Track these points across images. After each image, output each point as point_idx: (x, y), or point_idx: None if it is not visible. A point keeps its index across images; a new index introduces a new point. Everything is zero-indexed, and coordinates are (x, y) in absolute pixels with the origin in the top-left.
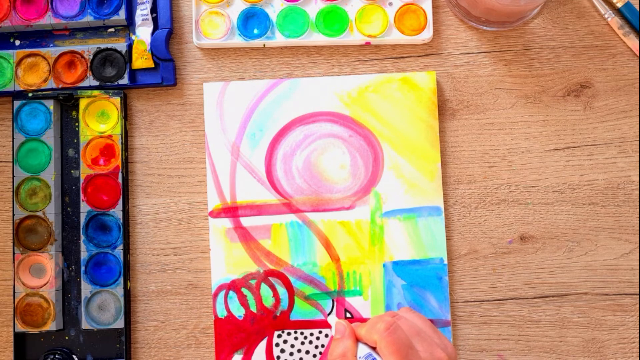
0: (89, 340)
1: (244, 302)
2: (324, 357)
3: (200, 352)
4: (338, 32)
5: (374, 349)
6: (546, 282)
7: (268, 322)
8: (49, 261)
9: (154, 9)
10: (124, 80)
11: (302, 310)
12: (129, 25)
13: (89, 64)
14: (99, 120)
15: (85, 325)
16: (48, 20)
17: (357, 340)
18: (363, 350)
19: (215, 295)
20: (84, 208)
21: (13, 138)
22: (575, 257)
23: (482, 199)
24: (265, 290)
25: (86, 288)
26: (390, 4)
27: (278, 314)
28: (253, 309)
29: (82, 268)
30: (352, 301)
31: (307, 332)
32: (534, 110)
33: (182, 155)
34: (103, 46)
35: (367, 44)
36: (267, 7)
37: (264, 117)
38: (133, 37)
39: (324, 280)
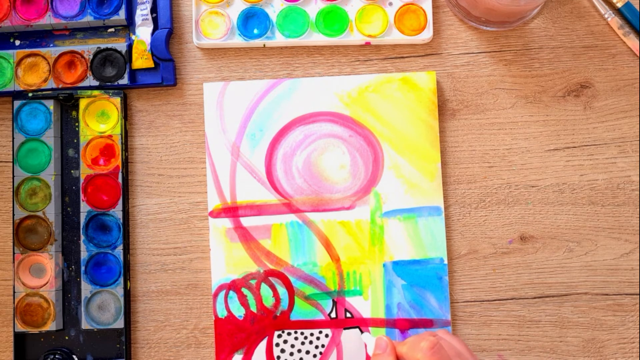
0: (89, 340)
1: (244, 302)
2: (325, 357)
3: (200, 352)
4: (338, 32)
5: None
6: (546, 282)
7: (268, 322)
8: (49, 261)
9: (154, 9)
10: (124, 80)
11: (302, 310)
12: (129, 25)
13: (89, 64)
14: (99, 120)
15: (85, 325)
16: (48, 20)
17: (397, 358)
18: None
19: (216, 295)
20: (84, 208)
21: (13, 138)
22: (575, 257)
23: (482, 199)
24: (265, 290)
25: (86, 288)
26: (390, 4)
27: (278, 314)
28: (253, 309)
29: (82, 268)
30: (352, 301)
31: (307, 332)
32: (534, 110)
33: (182, 155)
34: (103, 46)
35: (367, 44)
36: (267, 7)
37: (264, 117)
38: (133, 37)
39: (324, 280)
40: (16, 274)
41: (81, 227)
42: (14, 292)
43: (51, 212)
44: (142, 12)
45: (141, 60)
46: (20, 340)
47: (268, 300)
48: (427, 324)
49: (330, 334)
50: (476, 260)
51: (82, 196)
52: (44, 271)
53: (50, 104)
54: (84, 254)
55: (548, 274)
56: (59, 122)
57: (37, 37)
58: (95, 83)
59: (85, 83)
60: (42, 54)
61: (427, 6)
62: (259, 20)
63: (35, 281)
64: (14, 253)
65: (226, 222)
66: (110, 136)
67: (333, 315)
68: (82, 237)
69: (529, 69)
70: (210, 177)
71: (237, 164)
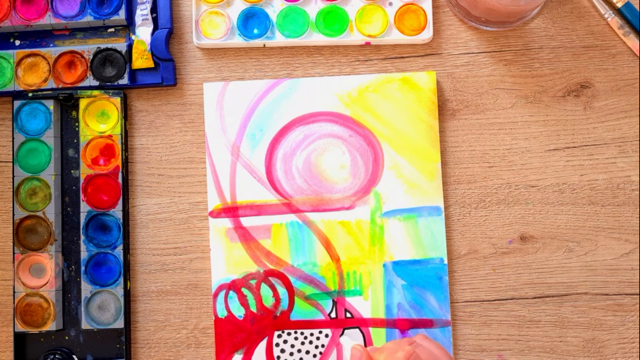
0: (89, 340)
1: (244, 302)
2: (324, 357)
3: (200, 352)
4: (338, 32)
5: None
6: (546, 282)
7: (268, 322)
8: (49, 261)
9: (154, 9)
10: (124, 80)
11: (302, 310)
12: (129, 25)
13: (89, 64)
14: (99, 120)
15: (85, 325)
16: (48, 20)
17: None
18: None
19: (216, 295)
20: (84, 208)
21: (13, 138)
22: (575, 257)
23: (482, 199)
24: (265, 290)
25: (86, 288)
26: (390, 4)
27: (278, 314)
28: (253, 309)
29: (82, 268)
30: (352, 301)
31: (307, 332)
32: (534, 110)
33: (182, 155)
34: (103, 46)
35: (367, 44)
36: (267, 7)
37: (264, 117)
38: (133, 37)
39: (324, 280)
40: (16, 274)
41: (81, 227)
42: (14, 292)
43: (51, 212)
44: (142, 12)
45: (141, 60)
46: (20, 340)
47: (268, 300)
48: (427, 324)
49: (330, 334)
50: (476, 260)
51: (82, 196)
52: (44, 271)
53: (50, 104)
54: (84, 254)
55: (548, 274)
56: (59, 122)
57: (37, 37)
58: (95, 83)
59: (85, 83)
60: (42, 54)
61: (427, 6)
62: (259, 20)
63: (35, 281)
64: (14, 253)
65: (226, 222)
66: (110, 136)
67: (333, 315)
68: (82, 237)
69: (529, 69)
70: (210, 177)
71: (237, 164)
